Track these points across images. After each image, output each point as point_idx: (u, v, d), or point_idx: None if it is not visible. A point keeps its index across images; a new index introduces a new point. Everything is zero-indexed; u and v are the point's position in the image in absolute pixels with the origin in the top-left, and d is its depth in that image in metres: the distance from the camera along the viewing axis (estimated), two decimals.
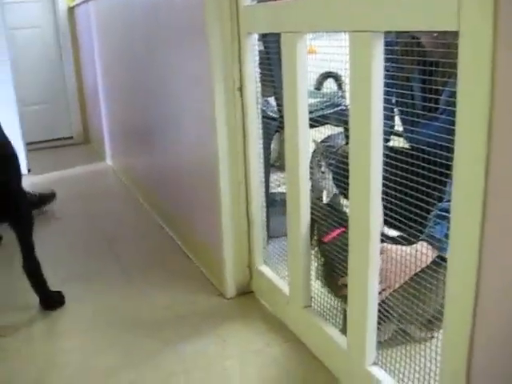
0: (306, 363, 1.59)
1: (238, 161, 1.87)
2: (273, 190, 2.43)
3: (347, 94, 1.31)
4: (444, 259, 1.28)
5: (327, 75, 3.22)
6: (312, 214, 1.61)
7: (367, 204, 1.24)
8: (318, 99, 2.37)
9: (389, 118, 1.28)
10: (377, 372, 1.35)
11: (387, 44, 1.18)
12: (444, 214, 1.31)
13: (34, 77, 4.80)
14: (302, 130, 1.51)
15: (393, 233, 1.47)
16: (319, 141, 2.23)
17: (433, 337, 1.50)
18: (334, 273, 1.54)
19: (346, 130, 2.12)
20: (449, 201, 1.05)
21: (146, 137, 2.96)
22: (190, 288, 2.09)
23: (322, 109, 2.24)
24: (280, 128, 2.04)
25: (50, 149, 4.84)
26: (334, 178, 1.95)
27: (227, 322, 1.84)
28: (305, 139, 1.53)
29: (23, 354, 1.74)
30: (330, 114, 2.21)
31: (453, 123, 0.96)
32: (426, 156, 1.22)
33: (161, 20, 2.32)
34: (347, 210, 1.42)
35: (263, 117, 1.87)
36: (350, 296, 1.38)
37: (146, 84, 2.75)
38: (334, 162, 1.92)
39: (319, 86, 3.22)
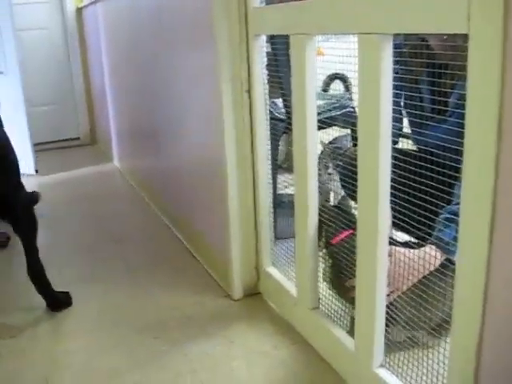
0: (314, 365, 1.59)
1: (245, 162, 1.87)
2: (280, 192, 2.42)
3: (354, 96, 1.31)
4: (452, 262, 1.27)
5: (334, 77, 3.22)
6: (320, 215, 1.61)
7: (375, 206, 1.24)
8: (326, 101, 2.36)
9: (397, 120, 1.27)
10: (384, 374, 1.35)
11: (396, 46, 1.17)
12: (452, 216, 1.31)
13: (42, 78, 4.83)
14: (311, 131, 1.51)
15: (401, 236, 1.46)
16: (326, 142, 2.23)
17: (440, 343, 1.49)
18: (342, 275, 1.54)
19: (353, 131, 2.13)
20: (457, 204, 1.05)
21: (152, 138, 2.96)
22: (196, 289, 2.09)
23: (330, 110, 2.24)
24: (287, 129, 2.04)
25: (57, 149, 4.87)
26: (341, 180, 1.94)
27: (234, 324, 1.84)
28: (313, 141, 1.53)
29: (29, 354, 1.75)
30: (338, 115, 2.21)
31: (461, 126, 0.96)
32: (434, 158, 1.22)
33: (168, 21, 2.33)
34: (355, 212, 1.42)
35: (270, 118, 1.87)
36: (358, 298, 1.38)
37: (153, 85, 2.76)
38: (342, 163, 1.92)
39: (326, 87, 3.22)
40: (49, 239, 2.65)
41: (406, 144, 1.58)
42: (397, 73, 1.21)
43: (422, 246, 1.41)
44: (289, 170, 2.42)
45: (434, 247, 1.39)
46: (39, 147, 4.40)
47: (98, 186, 3.73)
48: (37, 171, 4.04)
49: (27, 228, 1.95)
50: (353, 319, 1.49)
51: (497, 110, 0.88)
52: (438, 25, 1.00)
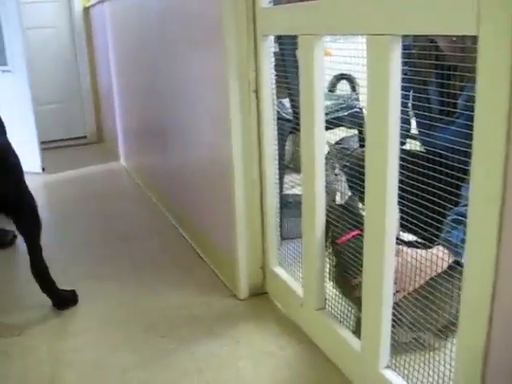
0: (320, 365, 1.59)
1: (252, 162, 1.88)
2: (287, 192, 2.42)
3: (361, 96, 1.31)
4: (460, 264, 1.27)
5: (341, 77, 3.22)
6: (327, 215, 1.61)
7: (383, 207, 1.24)
8: (332, 101, 2.36)
9: (405, 121, 1.27)
10: (390, 375, 1.35)
11: (405, 48, 1.17)
12: (460, 218, 1.31)
13: (49, 76, 4.85)
14: (318, 132, 1.51)
15: (409, 237, 1.46)
16: (333, 143, 2.23)
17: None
18: (347, 274, 1.54)
19: (360, 132, 2.13)
20: (465, 205, 1.05)
21: (159, 137, 2.97)
22: (202, 288, 2.10)
23: (337, 111, 2.24)
24: (294, 129, 2.04)
25: (64, 148, 4.88)
26: (348, 181, 1.94)
27: (240, 323, 1.84)
28: (321, 141, 1.53)
29: (36, 352, 1.75)
30: (345, 116, 2.21)
31: (470, 127, 0.96)
32: (442, 160, 1.22)
33: (176, 21, 2.33)
34: (362, 212, 1.42)
35: (278, 118, 1.87)
36: (365, 298, 1.38)
37: (160, 84, 2.76)
38: (349, 164, 1.92)
39: (333, 87, 3.22)
40: (55, 237, 2.66)
41: (413, 145, 1.58)
42: (405, 74, 1.21)
43: (429, 247, 1.41)
44: (295, 170, 2.42)
45: (441, 248, 1.39)
46: (46, 145, 4.41)
47: (104, 185, 3.74)
48: (44, 169, 4.06)
49: (31, 227, 1.96)
50: (359, 320, 1.49)
51: (506, 111, 0.88)
52: (447, 26, 1.00)
